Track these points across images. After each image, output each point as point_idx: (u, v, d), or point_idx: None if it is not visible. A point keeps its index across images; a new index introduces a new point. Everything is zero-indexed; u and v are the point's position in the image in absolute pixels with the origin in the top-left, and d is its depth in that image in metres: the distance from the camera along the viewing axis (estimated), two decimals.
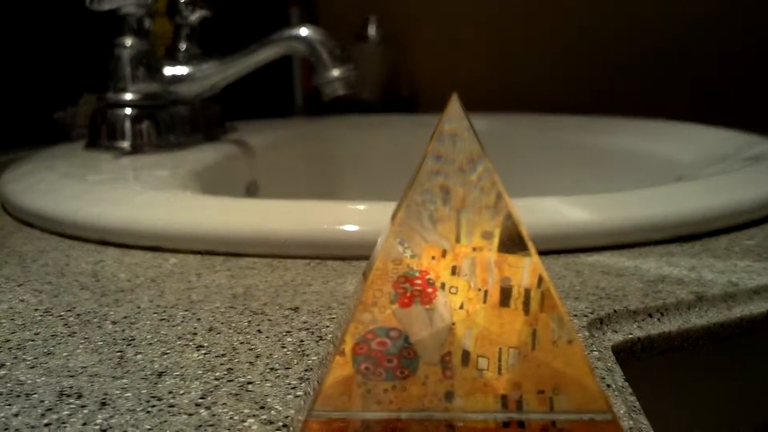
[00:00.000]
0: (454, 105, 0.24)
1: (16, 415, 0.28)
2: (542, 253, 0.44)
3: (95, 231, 0.49)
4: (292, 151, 0.80)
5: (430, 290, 0.25)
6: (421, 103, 0.99)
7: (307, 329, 0.35)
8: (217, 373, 0.31)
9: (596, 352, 0.32)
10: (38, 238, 0.50)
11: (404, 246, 0.25)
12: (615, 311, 0.36)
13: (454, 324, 0.24)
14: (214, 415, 0.28)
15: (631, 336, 0.35)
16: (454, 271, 0.24)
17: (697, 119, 0.75)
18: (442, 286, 0.24)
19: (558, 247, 0.44)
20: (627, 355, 0.34)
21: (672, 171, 0.62)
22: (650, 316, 0.36)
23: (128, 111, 0.66)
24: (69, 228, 0.50)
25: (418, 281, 0.25)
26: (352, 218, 0.45)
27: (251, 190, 0.72)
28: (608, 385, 0.29)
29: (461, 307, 0.24)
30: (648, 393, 0.31)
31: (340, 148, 0.83)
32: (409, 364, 0.24)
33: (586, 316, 0.35)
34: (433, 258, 0.24)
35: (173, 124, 0.68)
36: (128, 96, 0.66)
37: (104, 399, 0.29)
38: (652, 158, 0.68)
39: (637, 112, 0.82)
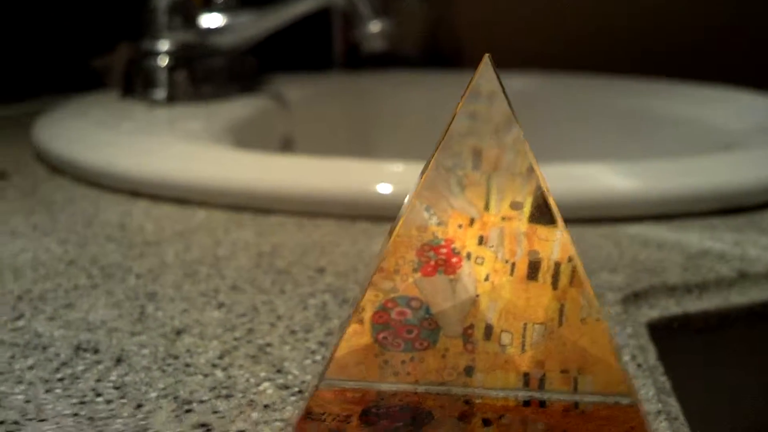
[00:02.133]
0: (487, 67, 0.22)
1: (31, 367, 0.27)
2: (581, 221, 0.42)
3: (125, 182, 0.48)
4: (330, 106, 0.79)
5: (454, 260, 0.23)
6: (465, 58, 0.97)
7: (331, 291, 0.34)
8: (237, 334, 0.30)
9: (630, 329, 0.31)
10: (68, 186, 0.50)
11: (430, 212, 0.24)
12: (652, 286, 0.35)
13: (478, 296, 0.23)
14: (230, 377, 0.27)
15: (667, 312, 0.33)
16: (481, 240, 0.23)
17: (751, 85, 0.72)
18: (468, 256, 0.23)
19: (597, 216, 0.42)
20: (662, 332, 0.33)
21: (720, 140, 0.60)
22: (689, 292, 0.35)
23: (164, 61, 0.65)
24: (99, 178, 0.49)
25: (443, 250, 0.24)
26: (386, 178, 0.44)
27: (286, 145, 0.71)
28: (639, 365, 0.28)
29: (487, 279, 0.23)
30: (682, 373, 0.30)
31: (379, 104, 0.82)
32: (429, 336, 0.23)
33: (621, 289, 0.34)
34: (460, 226, 0.23)
35: (209, 75, 0.67)
36: (164, 45, 0.65)
37: (120, 355, 0.28)
38: (700, 125, 0.65)
39: (687, 75, 0.79)
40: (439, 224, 0.24)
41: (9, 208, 0.46)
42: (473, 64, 0.22)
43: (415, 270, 0.23)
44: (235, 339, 0.30)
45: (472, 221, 0.23)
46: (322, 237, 0.41)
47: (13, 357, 0.28)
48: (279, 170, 0.46)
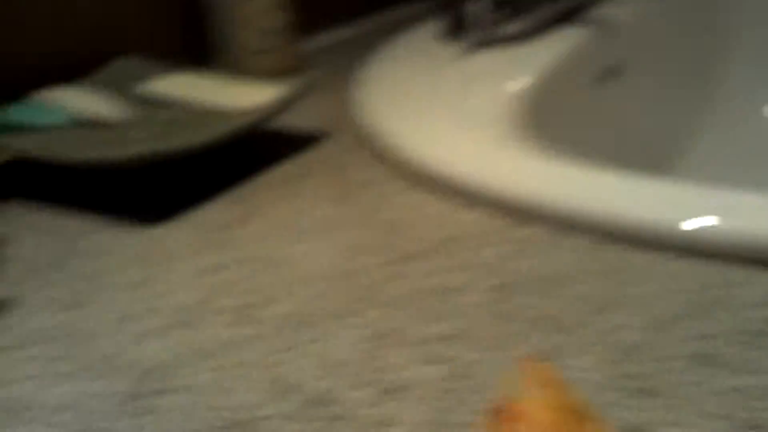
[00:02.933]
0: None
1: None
2: None
3: (408, 169, 0.51)
4: (667, 23, 0.72)
5: None
6: None
7: None
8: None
9: None
10: (367, 162, 0.55)
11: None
12: None
13: None
14: None
15: None
16: None
17: None
18: None
19: None
20: None
21: None
22: None
23: (480, 5, 0.65)
24: (388, 159, 0.53)
25: None
26: (641, 200, 0.42)
27: (611, 74, 0.68)
28: None
29: None
30: None
31: (730, 19, 0.73)
32: None
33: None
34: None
35: (524, 11, 0.66)
36: None
37: None
38: None
39: None
40: None
41: (309, 191, 0.52)
42: None
43: None
44: None
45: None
46: (561, 266, 0.41)
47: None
48: (536, 179, 0.46)
